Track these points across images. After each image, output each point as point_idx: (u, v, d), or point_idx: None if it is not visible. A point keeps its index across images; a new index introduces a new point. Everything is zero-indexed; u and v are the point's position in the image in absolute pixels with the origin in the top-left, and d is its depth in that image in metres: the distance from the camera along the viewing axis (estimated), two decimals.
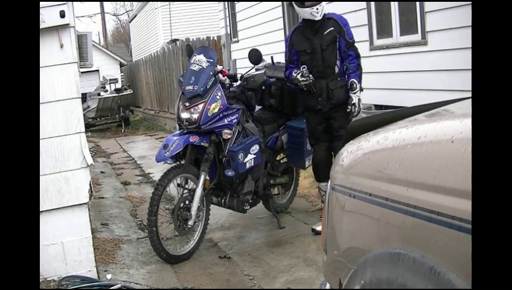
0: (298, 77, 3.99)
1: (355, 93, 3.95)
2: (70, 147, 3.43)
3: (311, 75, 3.99)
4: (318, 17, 3.95)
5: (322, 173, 4.12)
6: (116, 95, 14.79)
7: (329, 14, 4.09)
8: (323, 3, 3.97)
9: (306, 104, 4.19)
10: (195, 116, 3.79)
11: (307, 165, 4.52)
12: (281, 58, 4.59)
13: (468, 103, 1.22)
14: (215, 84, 3.92)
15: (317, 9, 3.92)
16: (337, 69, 4.05)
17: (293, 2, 4.06)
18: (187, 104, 3.83)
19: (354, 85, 3.95)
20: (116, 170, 8.05)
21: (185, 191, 3.86)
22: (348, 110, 3.95)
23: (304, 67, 4.01)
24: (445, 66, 4.75)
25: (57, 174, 3.40)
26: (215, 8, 13.77)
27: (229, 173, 3.86)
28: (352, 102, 3.94)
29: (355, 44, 4.07)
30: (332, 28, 4.00)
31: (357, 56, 4.03)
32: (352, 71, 3.99)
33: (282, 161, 4.70)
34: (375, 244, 1.33)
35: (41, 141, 3.16)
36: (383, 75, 5.72)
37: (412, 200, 1.17)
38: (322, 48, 4.00)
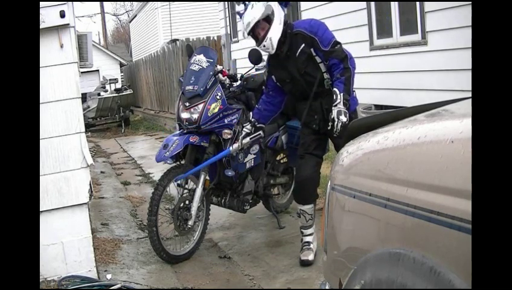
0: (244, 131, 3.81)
1: (336, 105, 3.26)
2: (70, 147, 3.43)
3: (259, 133, 3.81)
4: (272, 51, 3.47)
5: (309, 194, 3.58)
6: (116, 95, 14.78)
7: (296, 27, 3.50)
8: (271, 34, 3.40)
9: (302, 119, 3.74)
10: (195, 116, 3.79)
11: None
12: None
13: (468, 103, 1.22)
14: (215, 84, 3.92)
15: (264, 46, 3.46)
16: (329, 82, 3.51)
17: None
18: (187, 104, 3.83)
19: (335, 96, 3.29)
20: (116, 170, 8.05)
21: (185, 191, 3.86)
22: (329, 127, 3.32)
23: (252, 119, 3.81)
24: (445, 66, 4.75)
25: (57, 174, 3.40)
26: (215, 8, 13.76)
27: (229, 173, 3.86)
28: (332, 116, 3.26)
29: (335, 46, 3.40)
30: (303, 45, 3.43)
31: (341, 60, 3.37)
32: (336, 79, 3.37)
33: (282, 161, 4.69)
34: (375, 244, 1.33)
35: (41, 141, 3.16)
36: (383, 75, 5.72)
37: (412, 200, 1.17)
38: (301, 73, 3.50)
